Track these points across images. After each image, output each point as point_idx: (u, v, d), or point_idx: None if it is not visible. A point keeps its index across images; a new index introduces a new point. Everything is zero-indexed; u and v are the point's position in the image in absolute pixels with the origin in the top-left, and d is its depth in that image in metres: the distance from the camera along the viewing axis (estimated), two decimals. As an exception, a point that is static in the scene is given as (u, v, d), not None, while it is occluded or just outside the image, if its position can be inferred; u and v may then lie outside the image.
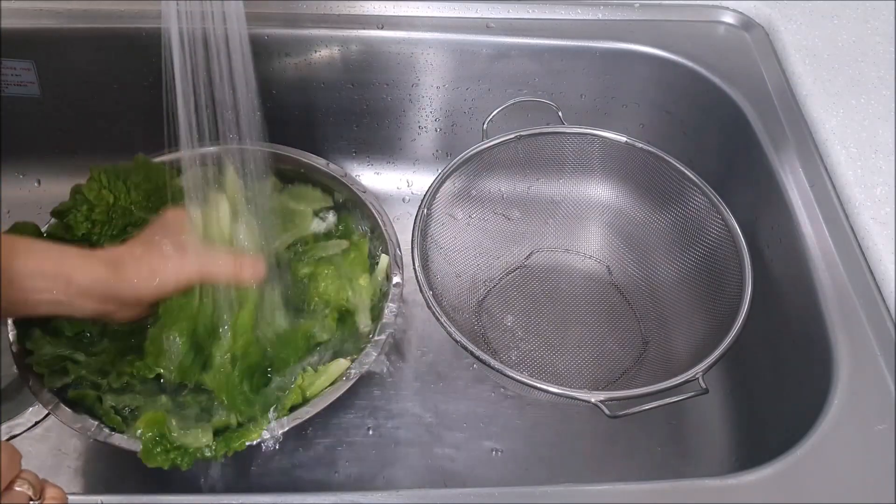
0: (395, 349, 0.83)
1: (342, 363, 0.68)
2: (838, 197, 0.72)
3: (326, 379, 0.67)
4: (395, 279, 0.74)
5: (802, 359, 0.68)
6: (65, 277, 0.60)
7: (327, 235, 0.80)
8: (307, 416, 0.64)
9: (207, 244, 0.68)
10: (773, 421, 0.72)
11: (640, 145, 0.82)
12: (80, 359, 0.66)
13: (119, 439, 0.62)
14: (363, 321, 0.73)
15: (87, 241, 0.72)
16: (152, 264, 0.64)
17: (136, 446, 0.61)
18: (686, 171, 0.80)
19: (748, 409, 0.78)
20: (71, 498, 0.52)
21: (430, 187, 0.79)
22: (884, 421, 0.58)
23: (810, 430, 0.58)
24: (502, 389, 0.80)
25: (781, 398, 0.71)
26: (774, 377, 0.74)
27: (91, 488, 0.72)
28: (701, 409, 0.80)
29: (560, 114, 0.85)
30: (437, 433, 0.78)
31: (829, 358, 0.62)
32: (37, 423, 0.75)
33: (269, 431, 0.62)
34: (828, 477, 0.55)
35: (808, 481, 0.55)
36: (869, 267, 0.67)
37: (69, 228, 0.72)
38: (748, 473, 0.56)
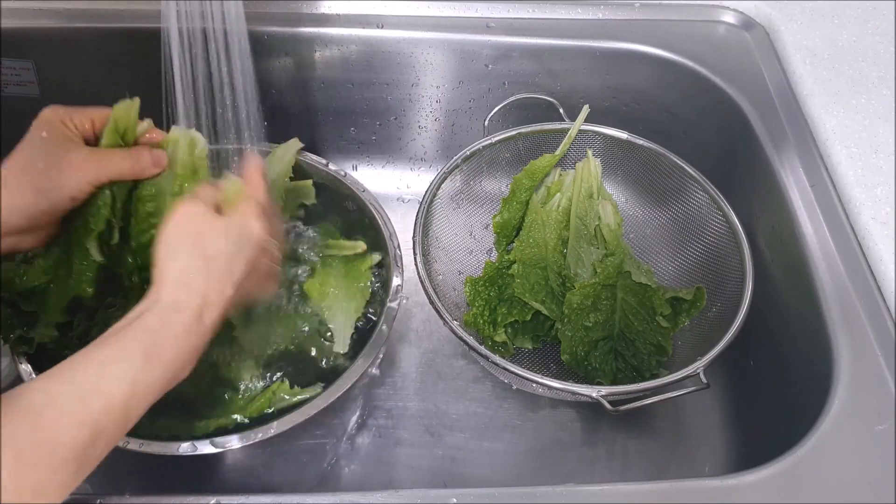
0: (396, 349, 0.83)
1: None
2: (838, 197, 0.72)
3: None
4: (396, 280, 0.74)
5: (802, 358, 0.68)
6: None
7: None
8: (306, 417, 0.64)
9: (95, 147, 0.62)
10: (774, 420, 0.72)
11: (641, 142, 0.82)
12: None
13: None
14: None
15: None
16: (36, 181, 0.57)
17: (136, 447, 0.61)
18: (687, 168, 0.80)
19: (748, 408, 0.78)
20: (70, 498, 0.53)
21: (431, 184, 0.79)
22: (884, 421, 0.58)
23: (810, 430, 0.58)
24: (502, 389, 0.80)
25: (781, 398, 0.71)
26: (775, 377, 0.74)
27: (91, 488, 0.72)
28: (701, 409, 0.80)
29: (562, 110, 0.85)
30: (437, 433, 0.78)
31: (829, 358, 0.62)
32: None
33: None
34: (828, 477, 0.56)
35: (808, 481, 0.55)
36: (869, 267, 0.67)
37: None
38: (748, 473, 0.56)
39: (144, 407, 0.48)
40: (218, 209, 0.58)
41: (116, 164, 0.61)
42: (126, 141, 0.64)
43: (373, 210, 0.78)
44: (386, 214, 0.78)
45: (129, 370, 0.47)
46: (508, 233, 0.83)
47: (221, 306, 0.54)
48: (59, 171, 0.58)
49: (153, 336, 0.49)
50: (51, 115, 0.61)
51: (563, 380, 0.69)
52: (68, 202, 0.59)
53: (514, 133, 0.84)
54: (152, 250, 0.55)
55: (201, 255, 0.54)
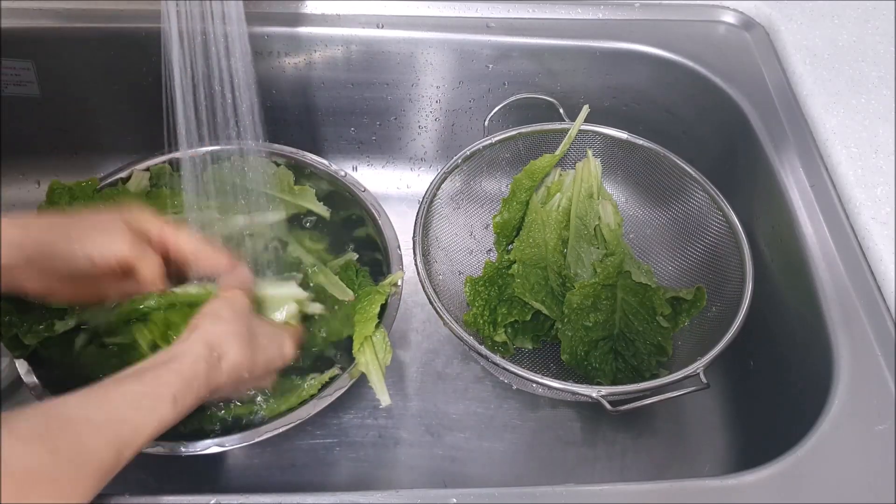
0: (396, 349, 0.83)
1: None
2: (838, 197, 0.72)
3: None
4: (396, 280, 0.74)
5: (802, 358, 0.68)
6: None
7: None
8: (307, 416, 0.64)
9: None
10: (774, 420, 0.72)
11: (641, 142, 0.82)
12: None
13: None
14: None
15: None
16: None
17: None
18: (686, 168, 0.80)
19: (748, 408, 0.78)
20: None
21: (431, 184, 0.79)
22: (884, 421, 0.58)
23: (810, 430, 0.58)
24: (502, 389, 0.80)
25: (781, 398, 0.71)
26: (775, 377, 0.74)
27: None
28: (701, 409, 0.80)
29: (562, 110, 0.85)
30: (437, 433, 0.78)
31: (829, 358, 0.62)
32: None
33: None
34: (828, 477, 0.56)
35: (808, 481, 0.55)
36: (869, 267, 0.67)
37: None
38: (748, 473, 0.56)
39: (156, 437, 0.51)
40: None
41: (145, 263, 0.62)
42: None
43: (373, 210, 0.78)
44: (386, 215, 0.78)
45: (159, 409, 0.50)
46: (508, 233, 0.83)
47: (236, 381, 0.59)
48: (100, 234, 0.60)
49: (185, 383, 0.53)
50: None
51: (563, 380, 0.69)
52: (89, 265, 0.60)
53: (514, 133, 0.84)
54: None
55: (239, 332, 0.59)
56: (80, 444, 0.45)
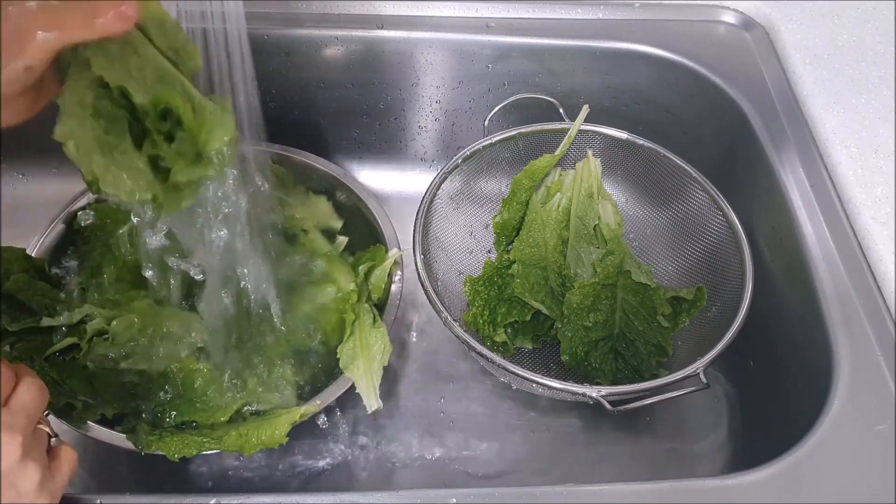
0: (396, 350, 0.83)
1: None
2: (838, 197, 0.72)
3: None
4: (396, 280, 0.74)
5: (802, 359, 0.68)
6: None
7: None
8: (307, 416, 0.64)
9: None
10: (774, 421, 0.72)
11: (641, 142, 0.82)
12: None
13: (118, 438, 0.62)
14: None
15: None
16: None
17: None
18: (687, 167, 0.80)
19: (748, 408, 0.78)
20: (71, 497, 0.53)
21: (431, 184, 0.79)
22: (884, 421, 0.58)
23: (810, 430, 0.58)
24: (502, 389, 0.80)
25: (781, 398, 0.71)
26: (774, 377, 0.74)
27: (90, 488, 0.72)
28: (701, 408, 0.80)
29: (562, 110, 0.85)
30: (437, 433, 0.78)
31: (829, 358, 0.62)
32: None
33: None
34: (828, 477, 0.56)
35: (808, 481, 0.55)
36: (869, 267, 0.67)
37: None
38: (748, 473, 0.56)
39: None
40: None
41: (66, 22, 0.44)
42: None
43: (373, 210, 0.78)
44: (386, 215, 0.78)
45: None
46: (508, 233, 0.84)
47: None
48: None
49: None
50: None
51: (563, 380, 0.69)
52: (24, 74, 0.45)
53: (514, 133, 0.84)
54: None
55: None
56: None
